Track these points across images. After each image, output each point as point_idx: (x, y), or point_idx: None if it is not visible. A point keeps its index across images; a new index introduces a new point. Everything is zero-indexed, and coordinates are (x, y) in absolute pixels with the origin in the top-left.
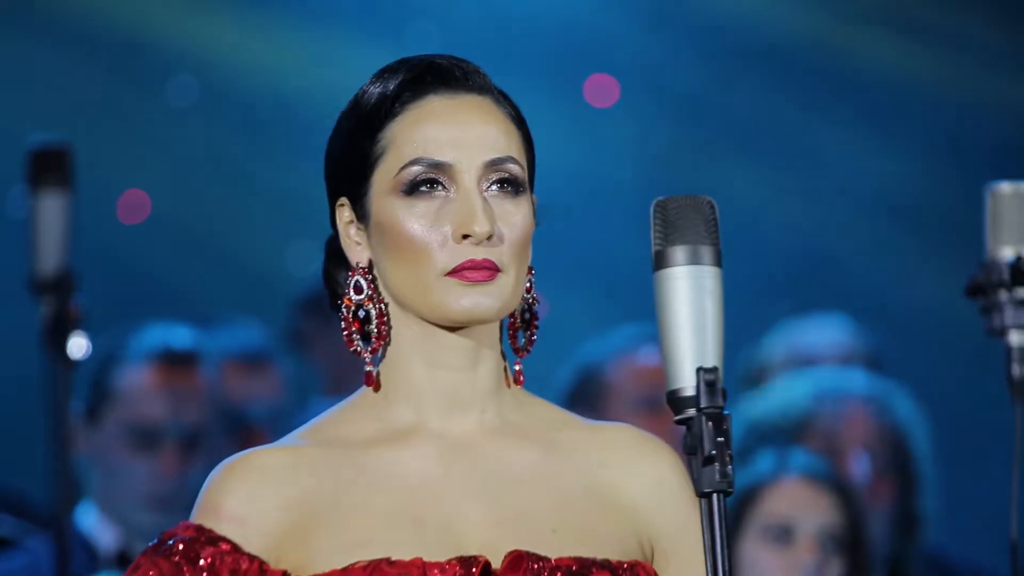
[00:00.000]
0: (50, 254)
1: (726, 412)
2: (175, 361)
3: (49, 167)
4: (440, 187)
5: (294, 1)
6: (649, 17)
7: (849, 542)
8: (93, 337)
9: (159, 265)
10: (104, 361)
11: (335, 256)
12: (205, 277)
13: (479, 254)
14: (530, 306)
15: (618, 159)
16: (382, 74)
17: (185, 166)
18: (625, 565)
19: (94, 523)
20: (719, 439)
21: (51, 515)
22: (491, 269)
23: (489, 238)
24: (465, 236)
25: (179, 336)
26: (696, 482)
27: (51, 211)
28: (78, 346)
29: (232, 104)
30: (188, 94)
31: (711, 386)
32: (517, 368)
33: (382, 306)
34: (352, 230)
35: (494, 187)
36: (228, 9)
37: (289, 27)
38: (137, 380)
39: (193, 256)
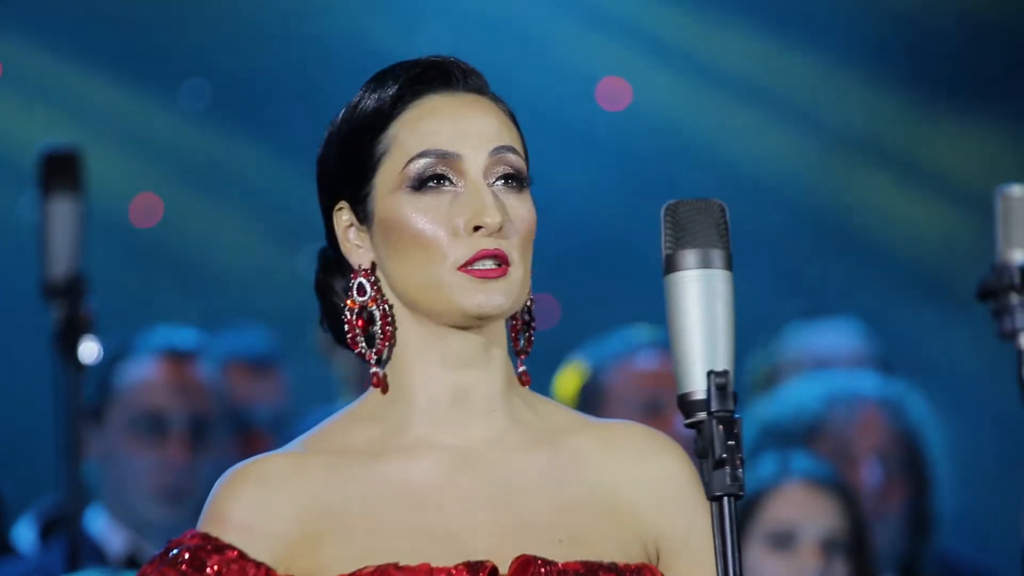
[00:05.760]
0: (61, 259)
1: (737, 416)
2: (179, 356)
3: (60, 172)
4: (448, 182)
5: (306, 2)
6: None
7: (853, 546)
8: (104, 341)
9: (171, 269)
10: (108, 362)
11: (330, 266)
12: (217, 281)
13: (491, 244)
14: (528, 308)
15: (630, 162)
16: (378, 78)
17: (197, 170)
18: (632, 567)
19: (103, 527)
20: (730, 443)
21: (62, 518)
22: (503, 260)
23: (500, 230)
24: (476, 228)
25: (183, 336)
26: (707, 486)
27: (62, 216)
28: (89, 350)
29: (245, 107)
30: (201, 97)
31: (722, 390)
32: (522, 369)
33: (386, 307)
34: (352, 233)
35: (499, 183)
36: (241, 11)
37: (301, 31)
38: (141, 373)
39: (206, 260)
